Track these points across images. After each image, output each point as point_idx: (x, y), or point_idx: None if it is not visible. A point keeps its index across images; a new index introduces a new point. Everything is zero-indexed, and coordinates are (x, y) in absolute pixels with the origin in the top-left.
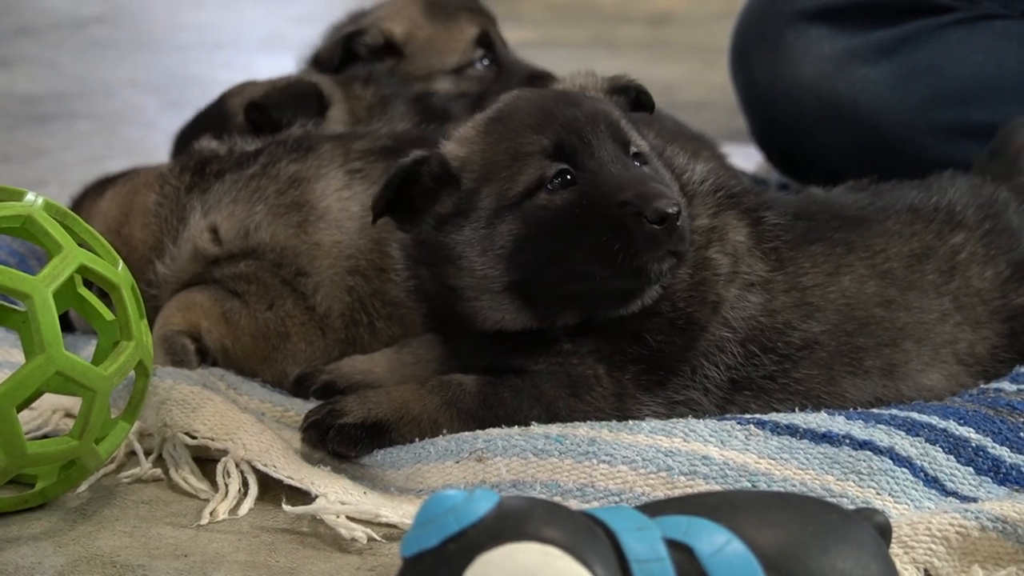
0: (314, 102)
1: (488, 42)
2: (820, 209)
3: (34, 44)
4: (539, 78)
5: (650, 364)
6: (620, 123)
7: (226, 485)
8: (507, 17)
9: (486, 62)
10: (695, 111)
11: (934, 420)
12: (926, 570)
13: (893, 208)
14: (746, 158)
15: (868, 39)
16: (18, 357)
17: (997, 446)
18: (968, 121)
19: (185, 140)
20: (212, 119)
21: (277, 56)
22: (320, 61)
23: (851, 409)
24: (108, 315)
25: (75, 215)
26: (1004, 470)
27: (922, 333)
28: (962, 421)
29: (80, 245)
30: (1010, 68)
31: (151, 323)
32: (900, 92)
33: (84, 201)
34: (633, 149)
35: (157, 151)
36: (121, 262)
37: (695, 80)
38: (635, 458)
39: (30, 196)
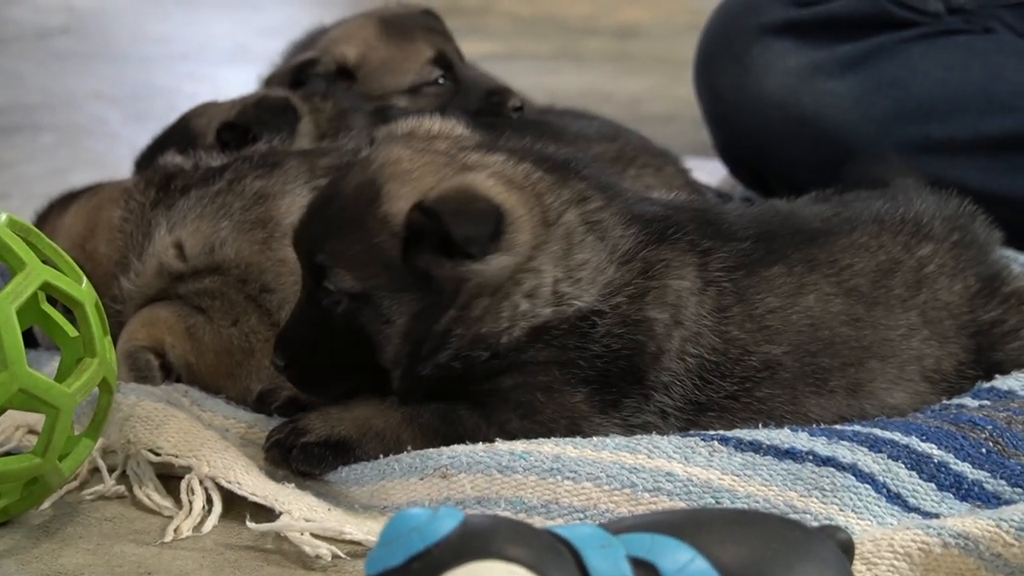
0: (291, 115)
1: (445, 61)
2: (781, 225)
3: None
4: (497, 93)
5: (600, 384)
6: (319, 259)
7: (190, 502)
8: (473, 30)
9: (443, 81)
10: (662, 124)
11: (896, 436)
12: None
13: (859, 219)
14: (711, 172)
15: (833, 53)
16: None
17: (959, 462)
18: (930, 136)
19: (147, 163)
20: (176, 141)
21: (243, 68)
22: (271, 85)
23: (814, 426)
24: (72, 332)
25: (39, 231)
26: (966, 486)
27: (888, 351)
28: (924, 437)
29: (44, 262)
30: (972, 83)
31: (115, 338)
32: (864, 106)
33: (48, 216)
34: (329, 286)
35: (121, 163)
36: (85, 279)
37: (661, 93)
38: (599, 475)
39: None
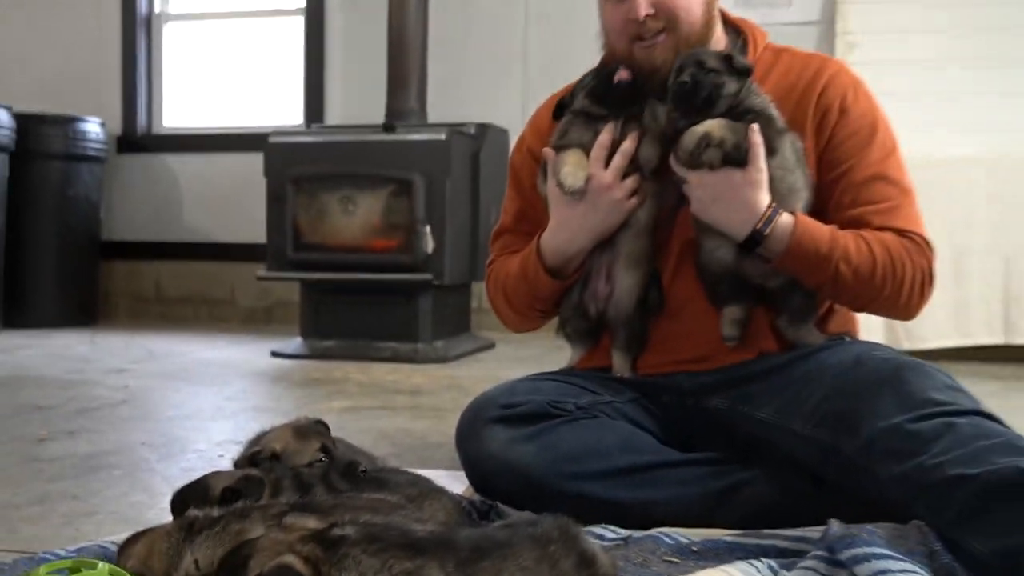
0: (262, 486)
1: (326, 449)
2: (487, 540)
3: (87, 419)
4: (353, 464)
5: None
6: None
7: None
8: (337, 392)
9: (324, 459)
10: (435, 448)
11: None
12: None
13: (522, 537)
14: (460, 481)
15: (521, 431)
16: None
17: None
18: (569, 472)
19: (178, 503)
20: (197, 492)
21: (221, 422)
22: (238, 466)
23: None
24: None
25: (125, 572)
26: None
27: None
28: None
29: None
30: (588, 442)
31: None
32: (539, 458)
33: (127, 545)
34: None
35: (156, 486)
36: None
37: (436, 430)
38: None
39: (101, 565)
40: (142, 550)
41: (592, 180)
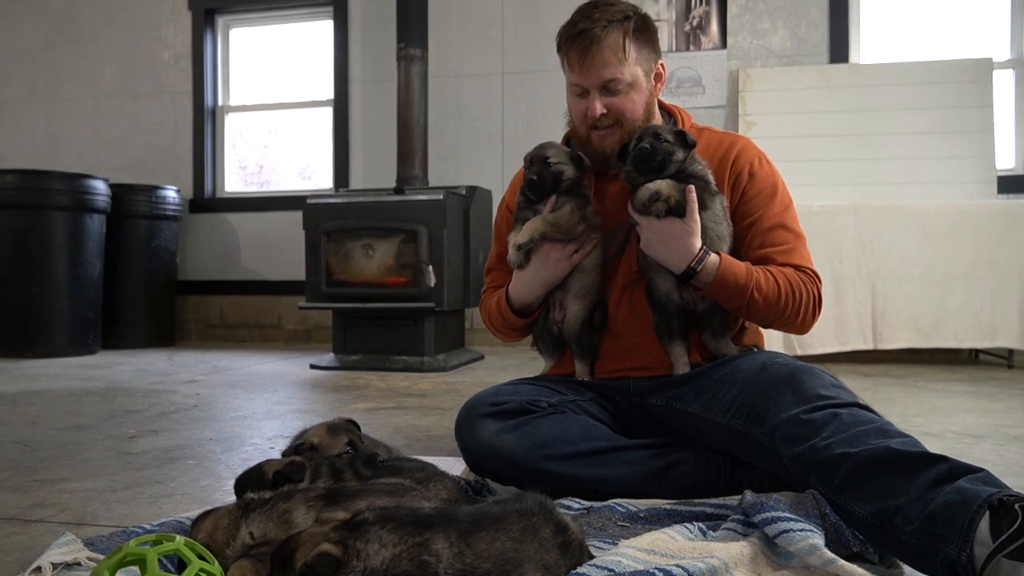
0: (304, 471)
1: (353, 443)
2: (483, 513)
3: (167, 420)
4: (373, 455)
5: None
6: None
7: None
8: (360, 396)
9: (351, 450)
10: (438, 440)
11: None
12: None
13: (510, 511)
14: (459, 464)
15: (507, 423)
16: None
17: None
18: (544, 455)
19: (240, 485)
20: (253, 477)
21: (271, 421)
22: (285, 454)
23: None
24: None
25: (195, 542)
26: None
27: (529, 560)
28: None
29: (199, 557)
30: (558, 432)
31: None
32: (520, 443)
33: (198, 521)
34: None
35: (222, 472)
36: (216, 563)
37: (439, 424)
38: None
39: (179, 537)
40: (209, 525)
41: (542, 248)
